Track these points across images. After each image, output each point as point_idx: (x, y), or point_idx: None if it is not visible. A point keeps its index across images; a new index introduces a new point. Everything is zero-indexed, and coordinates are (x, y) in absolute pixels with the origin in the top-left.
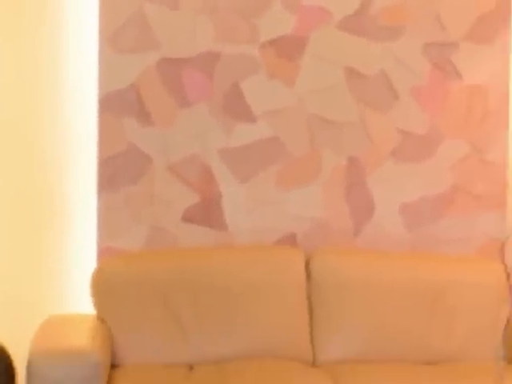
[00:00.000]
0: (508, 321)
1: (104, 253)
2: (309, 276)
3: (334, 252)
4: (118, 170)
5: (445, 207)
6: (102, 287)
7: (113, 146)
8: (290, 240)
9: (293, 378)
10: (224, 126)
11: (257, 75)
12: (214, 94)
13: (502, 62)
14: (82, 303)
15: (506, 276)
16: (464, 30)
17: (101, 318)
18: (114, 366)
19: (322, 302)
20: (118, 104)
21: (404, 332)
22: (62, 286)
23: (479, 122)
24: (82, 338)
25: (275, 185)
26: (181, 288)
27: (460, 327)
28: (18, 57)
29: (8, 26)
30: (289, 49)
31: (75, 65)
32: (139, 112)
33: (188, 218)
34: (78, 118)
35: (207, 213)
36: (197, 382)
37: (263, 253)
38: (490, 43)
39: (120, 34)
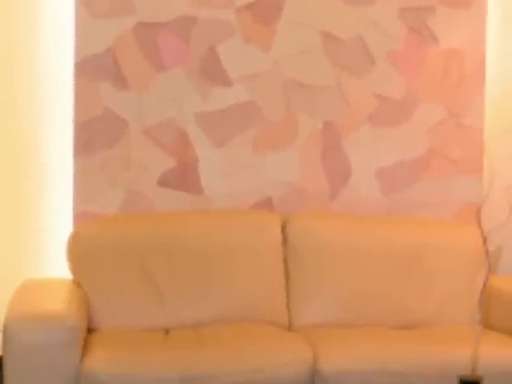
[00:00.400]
0: (484, 285)
1: (80, 217)
2: (285, 240)
3: (310, 216)
4: (93, 135)
5: (421, 171)
6: (78, 251)
7: (89, 111)
8: (267, 204)
9: (269, 341)
10: (200, 90)
11: (233, 39)
12: (190, 58)
13: (479, 27)
14: (58, 267)
15: (483, 240)
16: None
17: (77, 282)
18: (90, 330)
19: (298, 265)
20: (94, 68)
21: (380, 296)
22: (38, 251)
23: (455, 87)
24: (58, 302)
25: (251, 149)
26: (157, 252)
27: (436, 291)
28: None
29: None
30: (265, 13)
31: (51, 29)
32: (115, 76)
33: (164, 182)
34: (54, 82)
35: (183, 177)
36: (173, 346)
37: (239, 217)
38: (467, 7)
39: None
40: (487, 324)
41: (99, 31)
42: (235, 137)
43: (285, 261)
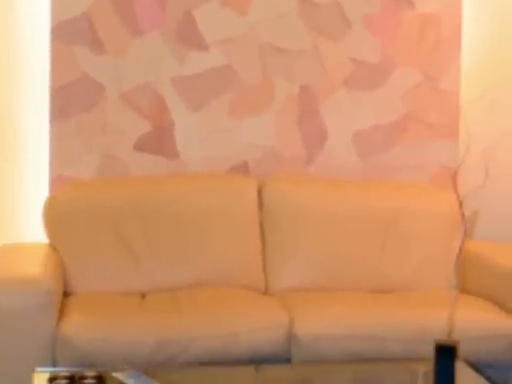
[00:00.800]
0: (460, 249)
1: (56, 181)
2: (261, 204)
3: (287, 180)
4: (70, 99)
5: (397, 135)
6: (54, 216)
7: (65, 75)
8: (243, 168)
9: (245, 305)
10: (176, 55)
11: (209, 3)
12: (167, 22)
13: None
14: (35, 232)
15: (459, 204)
16: None
17: (53, 247)
18: (66, 294)
19: (274, 230)
20: (70, 33)
21: (357, 260)
22: (15, 215)
23: (432, 51)
24: (35, 267)
25: (227, 113)
26: (133, 216)
27: (413, 256)
28: None
29: None
30: None
31: None
32: (92, 41)
33: (140, 146)
34: (30, 47)
35: (159, 141)
36: (149, 310)
37: (215, 181)
38: None
39: None
40: (463, 288)
41: None
42: (211, 101)
43: (261, 225)
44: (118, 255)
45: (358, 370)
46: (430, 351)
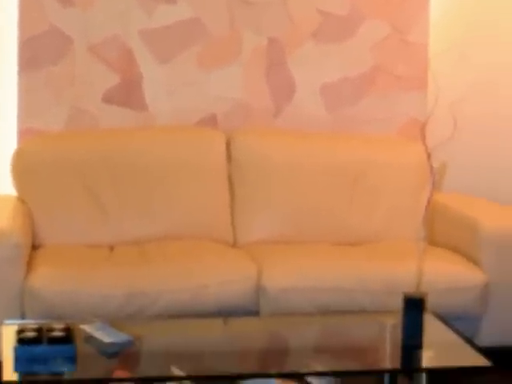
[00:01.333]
0: (428, 201)
1: (24, 134)
2: (229, 157)
3: (255, 133)
4: (38, 51)
5: (366, 88)
6: (23, 168)
7: (34, 27)
8: (211, 121)
9: (213, 258)
10: (145, 7)
11: None
12: None
13: None
14: (3, 185)
15: (427, 156)
16: None
17: (21, 199)
18: (34, 247)
19: (242, 182)
20: None
21: (325, 213)
22: None
23: (400, 3)
24: (3, 219)
25: (196, 66)
26: (101, 168)
27: (381, 208)
28: None
29: None
30: None
31: None
32: None
33: (108, 98)
34: None
35: (128, 94)
36: (117, 263)
37: (184, 133)
38: None
39: None
40: (431, 240)
41: None
42: (179, 53)
43: (229, 178)
44: (86, 208)
45: (326, 322)
46: (398, 303)
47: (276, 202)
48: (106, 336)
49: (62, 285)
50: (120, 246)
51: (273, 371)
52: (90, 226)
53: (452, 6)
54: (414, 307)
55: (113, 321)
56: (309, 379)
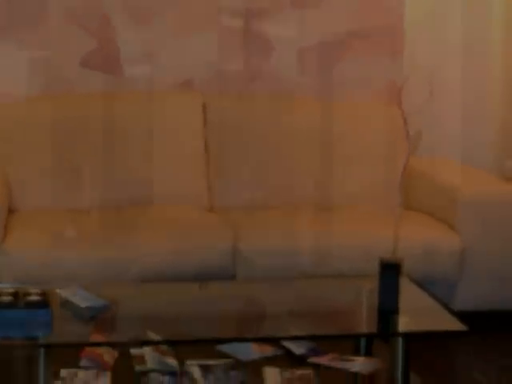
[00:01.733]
0: (404, 167)
1: (0, 98)
2: (205, 121)
3: (231, 96)
4: (13, 14)
5: (342, 52)
6: None
7: None
8: (188, 85)
9: (190, 222)
10: None
11: None
12: None
13: None
14: None
15: (403, 121)
16: None
17: None
18: (10, 211)
19: (219, 147)
20: None
21: (302, 177)
22: None
23: None
24: None
25: (172, 30)
26: (78, 134)
27: (358, 173)
28: None
29: None
30: None
31: None
32: None
33: (85, 63)
34: None
35: (104, 58)
36: (94, 227)
37: (160, 98)
38: None
39: None
40: (408, 205)
41: None
42: (156, 18)
43: (205, 142)
44: (62, 172)
45: (302, 287)
46: (375, 268)
47: (252, 166)
48: (83, 300)
49: (37, 250)
50: (96, 211)
51: (249, 335)
52: (65, 190)
53: None
54: (390, 272)
55: (89, 285)
56: (285, 343)
